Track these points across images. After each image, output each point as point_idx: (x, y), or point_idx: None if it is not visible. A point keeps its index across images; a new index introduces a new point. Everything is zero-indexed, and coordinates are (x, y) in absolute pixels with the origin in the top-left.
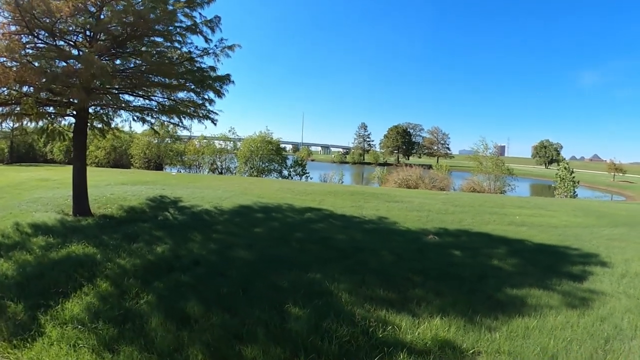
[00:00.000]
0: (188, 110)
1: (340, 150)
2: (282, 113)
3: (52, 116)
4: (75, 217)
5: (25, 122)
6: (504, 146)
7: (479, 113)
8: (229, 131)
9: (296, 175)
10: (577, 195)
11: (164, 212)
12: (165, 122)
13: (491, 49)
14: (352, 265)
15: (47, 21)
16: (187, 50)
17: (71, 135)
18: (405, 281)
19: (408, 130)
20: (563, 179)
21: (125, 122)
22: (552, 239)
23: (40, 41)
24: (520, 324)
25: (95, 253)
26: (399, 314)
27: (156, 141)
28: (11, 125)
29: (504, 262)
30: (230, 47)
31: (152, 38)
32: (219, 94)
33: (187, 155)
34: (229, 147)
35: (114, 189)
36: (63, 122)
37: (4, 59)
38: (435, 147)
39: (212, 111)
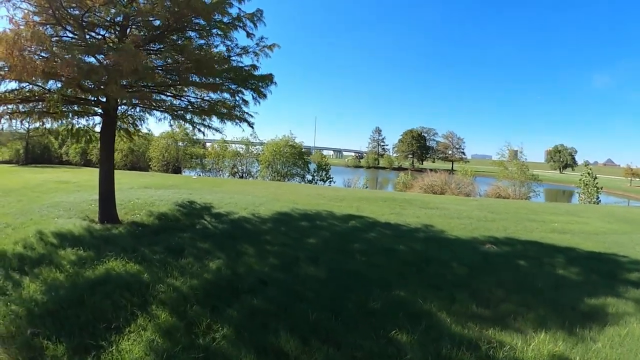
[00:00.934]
0: (225, 112)
1: (353, 154)
2: (293, 117)
3: (78, 115)
4: (103, 224)
5: (46, 122)
6: (517, 151)
7: (490, 118)
8: (251, 135)
9: (320, 180)
10: (600, 201)
11: (199, 219)
12: (197, 124)
13: (503, 54)
14: (430, 279)
15: (77, 13)
16: (225, 48)
17: (98, 135)
18: (489, 294)
19: (422, 134)
20: (587, 184)
21: (162, 121)
22: (598, 246)
23: (67, 33)
24: (613, 333)
25: (140, 271)
26: (505, 331)
27: (176, 143)
28: (27, 125)
29: (568, 271)
30: (269, 47)
31: (188, 34)
32: (261, 95)
33: (208, 158)
34: (249, 151)
35: (138, 193)
36: (87, 122)
37: (29, 50)
38: (450, 152)
39: (247, 113)
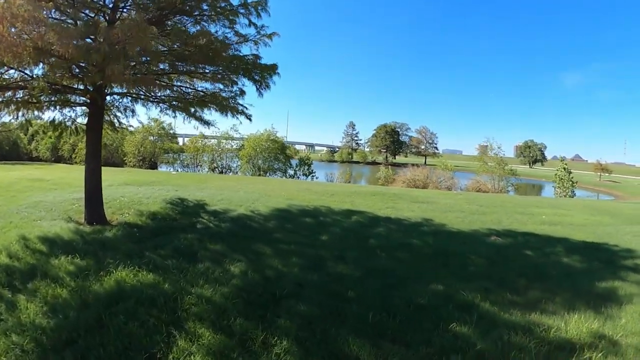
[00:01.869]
0: (224, 103)
1: (325, 148)
2: (265, 111)
3: (63, 106)
4: (92, 226)
5: (25, 114)
6: (486, 146)
7: (459, 114)
8: (231, 128)
9: (303, 174)
10: (575, 194)
11: (197, 218)
12: (190, 117)
13: (473, 51)
14: (457, 272)
15: None
16: (222, 36)
17: (82, 127)
18: (515, 284)
19: (396, 129)
20: (562, 179)
21: (163, 114)
22: (589, 237)
23: (52, 13)
24: (631, 310)
25: (158, 281)
26: (544, 315)
27: (152, 138)
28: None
29: (571, 259)
30: (269, 35)
31: (184, 18)
32: (266, 85)
33: (187, 153)
34: (230, 145)
35: (121, 191)
36: (70, 114)
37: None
38: (423, 147)
39: (242, 104)
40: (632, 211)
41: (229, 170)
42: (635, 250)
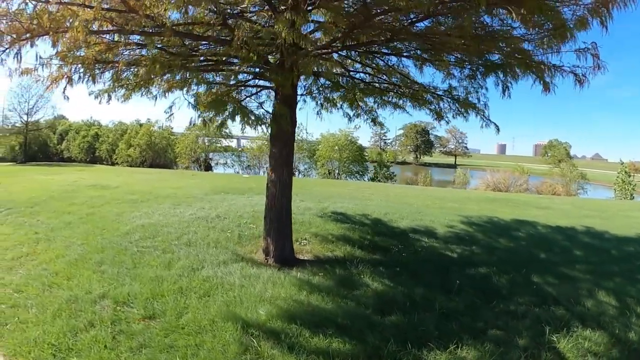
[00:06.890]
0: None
1: None
2: None
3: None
4: (295, 267)
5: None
6: (505, 145)
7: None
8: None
9: (384, 178)
10: (634, 197)
11: (415, 243)
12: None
13: None
14: None
15: None
16: None
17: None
18: None
19: (425, 128)
20: (624, 181)
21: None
22: None
23: None
24: None
25: None
26: None
27: (206, 139)
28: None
29: None
30: None
31: None
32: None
33: (249, 153)
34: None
35: (232, 203)
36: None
37: None
38: (452, 146)
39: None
40: None
41: (299, 173)
42: None
